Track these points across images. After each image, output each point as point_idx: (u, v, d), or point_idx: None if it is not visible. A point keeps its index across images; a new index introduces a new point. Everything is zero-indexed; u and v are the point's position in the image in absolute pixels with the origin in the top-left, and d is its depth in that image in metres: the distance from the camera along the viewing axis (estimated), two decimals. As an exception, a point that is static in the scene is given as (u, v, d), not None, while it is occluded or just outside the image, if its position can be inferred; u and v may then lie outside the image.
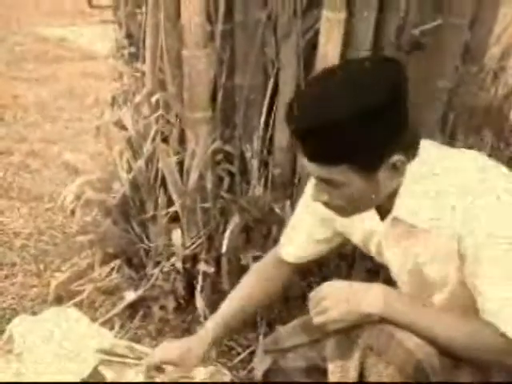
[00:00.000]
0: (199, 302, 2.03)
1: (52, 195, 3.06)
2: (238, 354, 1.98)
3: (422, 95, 1.88)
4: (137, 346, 1.86)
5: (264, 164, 2.03)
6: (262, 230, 2.05)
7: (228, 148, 2.04)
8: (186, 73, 1.98)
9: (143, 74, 2.23)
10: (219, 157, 2.05)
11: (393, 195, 1.25)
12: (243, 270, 1.95)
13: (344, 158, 1.17)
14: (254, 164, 2.01)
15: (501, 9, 2.04)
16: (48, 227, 2.81)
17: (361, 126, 1.13)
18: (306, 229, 1.51)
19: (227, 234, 1.99)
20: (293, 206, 1.96)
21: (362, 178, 1.19)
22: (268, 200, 2.01)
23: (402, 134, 1.18)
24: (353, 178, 1.19)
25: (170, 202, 2.10)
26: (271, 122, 2.00)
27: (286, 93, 1.93)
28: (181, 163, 2.07)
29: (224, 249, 1.98)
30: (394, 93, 1.15)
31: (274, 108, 1.99)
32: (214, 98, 2.02)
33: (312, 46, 1.90)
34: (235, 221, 2.01)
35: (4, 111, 4.35)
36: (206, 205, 2.05)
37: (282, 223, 1.99)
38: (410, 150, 1.21)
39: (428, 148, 1.26)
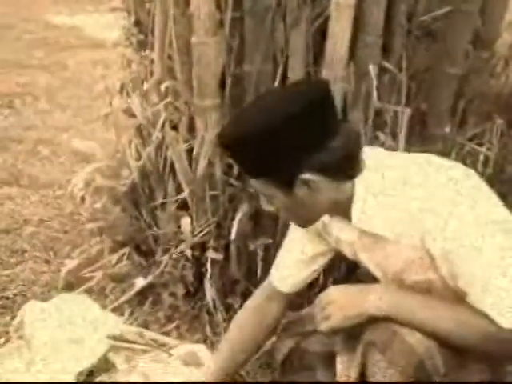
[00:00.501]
0: (208, 288, 2.04)
1: (61, 183, 3.07)
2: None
3: (432, 82, 1.86)
4: (146, 333, 1.86)
5: None
6: (271, 218, 2.05)
7: None
8: (194, 60, 1.96)
9: (152, 61, 2.21)
10: None
11: (348, 205, 1.27)
12: (252, 257, 2.02)
13: (259, 173, 1.24)
14: None
15: (512, -5, 2.01)
16: (58, 214, 2.81)
17: (269, 140, 1.17)
18: (297, 251, 1.53)
19: (236, 221, 1.98)
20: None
21: (283, 193, 1.24)
22: None
23: (314, 154, 1.19)
24: (275, 192, 1.25)
25: (179, 190, 2.09)
26: None
27: (296, 79, 1.91)
28: (190, 151, 2.06)
29: (233, 236, 1.97)
30: (308, 109, 1.17)
31: None
32: (223, 86, 2.00)
33: (322, 33, 1.89)
34: (244, 208, 2.00)
35: (14, 99, 4.35)
36: (215, 192, 2.05)
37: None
38: (332, 171, 1.22)
39: (375, 156, 1.28)
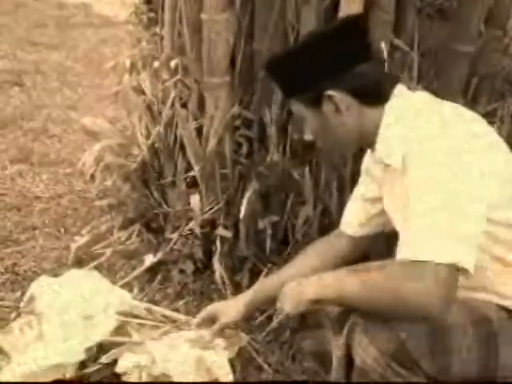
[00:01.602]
0: (217, 265, 2.04)
1: (72, 160, 3.07)
2: (256, 317, 1.98)
3: (444, 60, 1.84)
4: (156, 308, 1.87)
5: (283, 130, 2.00)
6: (280, 196, 2.05)
7: (247, 113, 2.03)
8: (205, 37, 1.95)
9: (162, 39, 2.20)
10: (238, 122, 2.04)
11: (375, 135, 1.32)
12: (261, 234, 2.02)
13: (292, 90, 1.35)
14: (273, 130, 1.99)
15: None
16: (68, 192, 2.82)
17: (300, 57, 1.31)
18: (357, 195, 1.58)
19: (245, 199, 1.98)
20: (311, 172, 1.98)
21: (313, 112, 1.34)
22: (286, 166, 2.00)
23: (342, 74, 1.28)
24: (306, 112, 1.36)
25: (189, 168, 2.10)
26: None
27: None
28: (200, 128, 2.05)
29: (242, 214, 1.97)
30: (339, 31, 1.30)
31: None
32: (233, 63, 2.00)
33: (333, 9, 1.87)
34: (253, 186, 2.00)
35: (24, 77, 4.34)
36: (225, 170, 2.05)
37: (299, 189, 2.00)
38: (358, 93, 1.30)
39: (404, 93, 1.32)
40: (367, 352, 1.22)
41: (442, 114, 1.26)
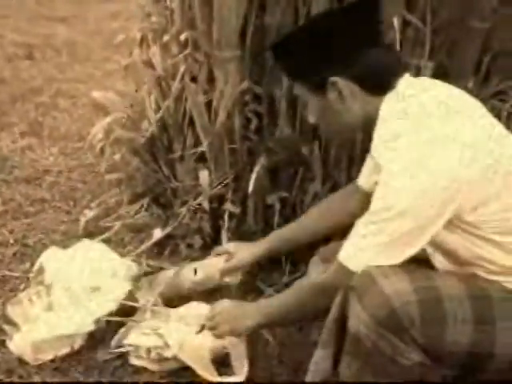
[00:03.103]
0: (225, 240, 2.04)
1: (81, 134, 3.08)
2: (263, 292, 1.99)
3: (456, 36, 1.81)
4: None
5: (292, 106, 1.99)
6: (289, 172, 2.04)
7: (256, 88, 2.01)
8: (215, 10, 1.92)
9: (172, 12, 2.16)
10: (247, 97, 2.02)
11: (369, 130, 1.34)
12: (269, 210, 2.03)
13: (297, 74, 1.36)
14: (283, 105, 1.98)
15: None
16: (77, 165, 2.83)
17: (306, 40, 1.29)
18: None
19: (254, 174, 1.98)
20: (320, 148, 1.97)
21: (317, 96, 1.34)
22: (296, 142, 1.99)
23: (348, 60, 1.28)
24: (310, 97, 1.37)
25: (198, 142, 2.09)
26: None
27: None
28: (209, 103, 2.04)
29: (250, 189, 1.97)
30: (346, 13, 1.28)
31: None
32: (243, 37, 1.97)
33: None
34: (262, 162, 2.00)
35: (35, 50, 4.34)
36: (234, 146, 2.04)
37: (308, 165, 1.99)
38: (362, 80, 1.29)
39: (407, 85, 1.30)
40: (360, 318, 1.24)
41: (430, 114, 1.24)
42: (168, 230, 2.16)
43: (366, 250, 1.27)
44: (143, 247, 2.16)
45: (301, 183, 2.03)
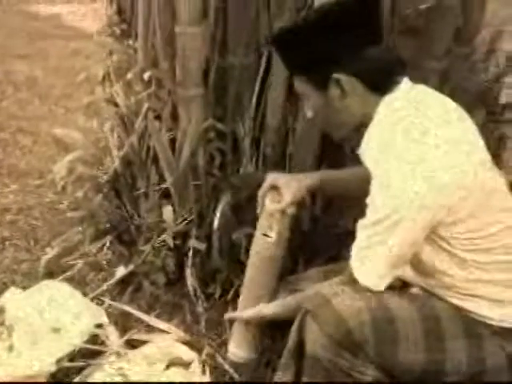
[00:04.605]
0: (189, 278, 2.03)
1: (42, 171, 3.03)
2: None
3: (412, 76, 1.86)
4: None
5: (256, 143, 2.01)
6: (253, 208, 2.03)
7: (220, 126, 2.02)
8: (178, 49, 1.94)
9: (135, 50, 2.18)
10: (211, 135, 2.03)
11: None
12: (234, 247, 2.01)
13: (300, 69, 1.35)
14: (246, 143, 2.00)
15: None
16: (38, 203, 2.78)
17: (310, 36, 1.29)
18: None
19: (218, 211, 1.98)
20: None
21: (318, 92, 1.34)
22: (259, 178, 1.93)
23: (351, 56, 1.28)
24: (312, 92, 1.36)
25: (162, 179, 2.08)
26: (263, 101, 1.97)
27: (279, 71, 1.91)
28: (173, 140, 2.04)
29: (215, 225, 1.98)
30: (348, 10, 1.27)
31: (266, 87, 1.96)
32: (206, 76, 1.99)
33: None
34: (226, 198, 2.00)
35: (-5, 87, 4.29)
36: (198, 182, 2.04)
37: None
38: (365, 78, 1.30)
39: (404, 93, 1.32)
40: (317, 339, 1.26)
41: (422, 123, 1.26)
42: (131, 267, 2.14)
43: (377, 265, 1.28)
44: (106, 285, 2.13)
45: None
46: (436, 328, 1.30)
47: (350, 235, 1.83)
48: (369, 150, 1.32)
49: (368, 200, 1.27)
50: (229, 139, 2.03)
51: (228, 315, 1.68)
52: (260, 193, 1.65)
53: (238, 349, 1.67)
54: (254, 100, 1.98)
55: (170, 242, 2.07)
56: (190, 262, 2.05)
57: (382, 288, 1.29)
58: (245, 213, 2.03)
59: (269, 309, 1.56)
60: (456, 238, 1.27)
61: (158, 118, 2.07)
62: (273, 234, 1.61)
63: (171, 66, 2.00)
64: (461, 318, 1.33)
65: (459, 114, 1.34)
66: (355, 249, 1.31)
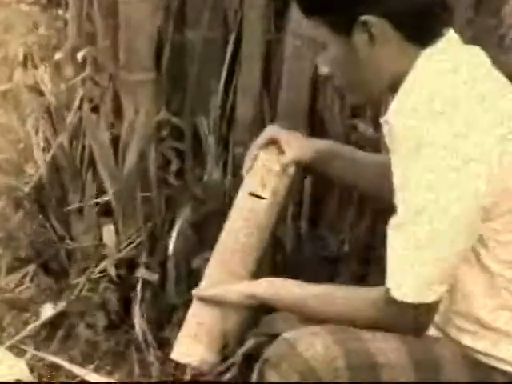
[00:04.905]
0: (137, 318, 2.03)
1: None
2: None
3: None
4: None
5: (223, 142, 2.02)
6: (220, 227, 2.02)
7: (176, 120, 2.03)
8: (122, 22, 1.95)
9: (66, 23, 2.19)
10: (165, 132, 2.04)
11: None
12: (195, 276, 1.95)
13: (317, 8, 1.32)
14: (211, 142, 2.00)
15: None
16: None
17: None
18: None
19: (175, 231, 1.99)
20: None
21: (339, 39, 1.32)
22: (227, 187, 1.99)
23: None
24: (331, 38, 1.33)
25: (101, 190, 2.08)
26: (232, 87, 1.99)
27: (252, 50, 1.93)
28: (115, 139, 2.05)
29: (171, 250, 1.98)
30: None
31: (237, 69, 1.98)
32: (158, 56, 2.00)
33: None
34: (185, 214, 2.00)
35: None
36: (148, 194, 2.04)
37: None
38: (404, 21, 1.28)
39: (455, 46, 1.32)
40: None
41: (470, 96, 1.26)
42: (62, 305, 2.13)
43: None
44: (28, 330, 2.12)
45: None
46: (434, 377, 1.31)
47: (344, 260, 1.97)
48: (396, 120, 1.32)
49: (397, 192, 1.29)
50: (188, 137, 2.03)
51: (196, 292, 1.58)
52: (253, 146, 1.65)
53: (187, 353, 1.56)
54: (221, 86, 1.99)
55: (112, 272, 2.06)
56: (138, 297, 2.05)
57: (433, 299, 1.27)
58: (209, 233, 1.98)
59: (234, 295, 1.50)
60: (489, 241, 1.28)
61: (95, 110, 2.07)
62: (266, 194, 1.56)
63: (113, 43, 2.01)
64: (469, 365, 1.33)
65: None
66: (392, 257, 1.30)
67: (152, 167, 2.02)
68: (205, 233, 2.03)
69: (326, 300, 1.38)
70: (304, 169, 1.69)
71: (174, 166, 2.05)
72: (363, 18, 1.26)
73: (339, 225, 2.03)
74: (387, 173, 1.38)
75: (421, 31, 1.30)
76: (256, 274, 1.57)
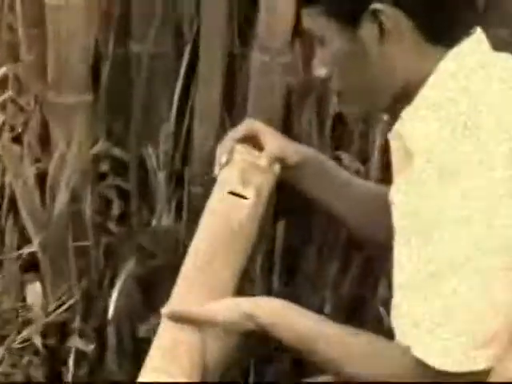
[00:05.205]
0: (70, 398, 1.95)
1: None
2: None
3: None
4: None
5: (176, 178, 1.93)
6: (172, 282, 1.79)
7: (118, 152, 1.94)
8: (50, 32, 1.80)
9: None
10: (105, 166, 1.94)
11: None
12: (141, 345, 1.86)
13: None
14: (161, 178, 1.90)
15: None
16: None
17: None
18: None
19: (116, 289, 1.85)
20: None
21: (341, 32, 1.24)
22: (181, 235, 1.88)
23: None
24: (331, 31, 1.25)
25: (25, 239, 1.94)
26: (188, 110, 1.91)
27: (212, 65, 1.84)
28: (42, 175, 1.91)
29: (111, 314, 1.83)
30: None
31: (193, 89, 1.89)
32: (96, 74, 1.89)
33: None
34: (130, 268, 1.88)
35: None
36: (83, 243, 1.91)
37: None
38: (423, 15, 1.20)
39: (484, 48, 1.24)
40: None
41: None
42: (-27, 384, 2.01)
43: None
44: None
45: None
46: None
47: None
48: (412, 133, 1.22)
49: (399, 238, 1.19)
50: (133, 173, 1.93)
51: (167, 309, 1.39)
52: (228, 138, 1.54)
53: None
54: (174, 110, 1.91)
55: (38, 342, 1.90)
56: (70, 372, 1.90)
57: (480, 367, 1.13)
58: (159, 292, 1.86)
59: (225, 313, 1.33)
60: None
61: (17, 140, 1.96)
62: (249, 193, 1.44)
63: (40, 59, 1.87)
64: None
65: None
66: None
67: (88, 210, 1.89)
68: (153, 292, 1.93)
69: (341, 349, 1.24)
70: (282, 178, 1.58)
71: (115, 209, 1.95)
72: (374, 6, 1.19)
73: (320, 280, 1.96)
74: (385, 207, 1.29)
75: (444, 26, 1.22)
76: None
